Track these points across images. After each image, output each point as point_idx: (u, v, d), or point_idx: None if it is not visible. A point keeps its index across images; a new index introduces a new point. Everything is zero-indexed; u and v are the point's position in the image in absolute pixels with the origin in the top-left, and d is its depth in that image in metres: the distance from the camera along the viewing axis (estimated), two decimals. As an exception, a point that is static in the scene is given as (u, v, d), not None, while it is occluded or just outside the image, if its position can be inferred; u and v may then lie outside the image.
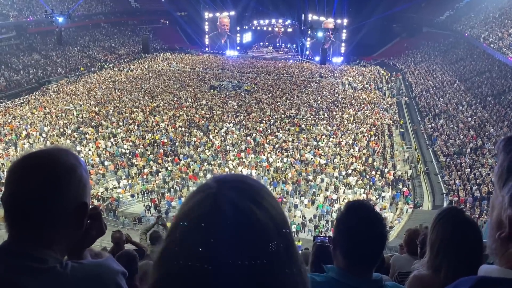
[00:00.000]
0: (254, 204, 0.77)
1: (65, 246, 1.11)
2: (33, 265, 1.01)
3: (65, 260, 1.09)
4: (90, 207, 1.16)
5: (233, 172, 25.04)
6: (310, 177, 25.94)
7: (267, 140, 31.24)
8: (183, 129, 33.36)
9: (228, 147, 30.02)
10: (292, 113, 38.68)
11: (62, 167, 1.08)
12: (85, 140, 30.63)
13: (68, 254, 1.15)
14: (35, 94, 44.13)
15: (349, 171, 26.61)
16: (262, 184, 0.85)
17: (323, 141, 31.65)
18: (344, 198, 23.61)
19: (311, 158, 28.36)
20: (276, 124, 35.45)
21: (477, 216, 20.26)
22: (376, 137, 33.21)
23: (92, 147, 29.33)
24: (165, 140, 30.82)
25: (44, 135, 30.92)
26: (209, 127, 33.76)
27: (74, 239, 1.13)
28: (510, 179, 0.85)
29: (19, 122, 33.64)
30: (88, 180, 1.15)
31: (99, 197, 23.52)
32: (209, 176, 24.70)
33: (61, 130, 32.00)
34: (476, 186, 23.61)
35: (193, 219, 0.75)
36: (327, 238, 2.73)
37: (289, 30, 74.90)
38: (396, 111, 41.87)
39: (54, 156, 1.10)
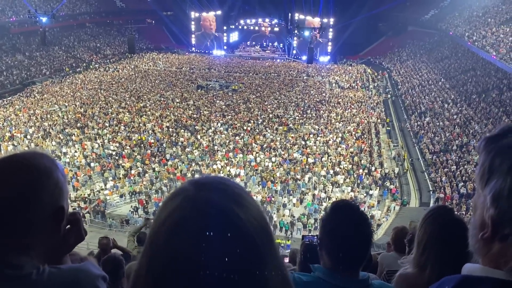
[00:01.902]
0: (235, 204, 0.76)
1: (42, 252, 1.08)
2: (8, 272, 0.98)
3: (42, 266, 1.06)
4: (69, 212, 1.13)
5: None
6: (298, 176, 26.02)
7: (255, 140, 31.25)
8: (170, 129, 33.20)
9: (216, 147, 29.96)
10: (279, 113, 38.75)
11: (37, 170, 1.05)
12: (71, 141, 30.29)
13: (47, 260, 1.12)
14: (19, 95, 43.51)
15: (337, 169, 26.75)
16: (239, 184, 0.83)
17: (311, 140, 31.77)
18: (332, 197, 23.74)
19: (299, 157, 28.45)
20: (264, 123, 35.49)
21: (463, 212, 20.52)
22: (363, 136, 33.45)
23: (78, 149, 29.03)
24: (152, 141, 30.63)
25: (28, 137, 30.51)
26: (197, 127, 33.65)
27: (51, 245, 1.10)
28: (491, 179, 0.84)
29: (2, 124, 33.12)
30: (65, 184, 1.12)
31: (86, 199, 23.29)
32: (197, 176, 24.60)
33: (46, 131, 31.60)
34: (462, 183, 23.93)
35: (172, 225, 0.73)
36: (315, 237, 2.73)
37: (276, 29, 75.05)
38: (383, 110, 42.22)
39: (28, 159, 1.07)
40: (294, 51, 69.58)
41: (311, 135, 32.76)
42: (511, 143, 0.85)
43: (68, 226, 1.15)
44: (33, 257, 1.04)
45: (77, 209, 20.59)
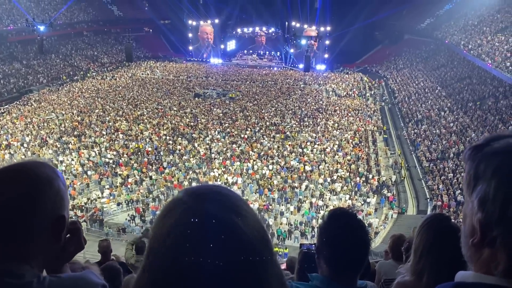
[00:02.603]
0: (234, 214, 0.76)
1: (42, 260, 1.08)
2: (9, 281, 0.98)
3: (43, 275, 1.07)
4: (69, 221, 1.14)
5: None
6: (296, 184, 26.00)
7: (252, 148, 31.26)
8: (167, 137, 33.18)
9: (213, 155, 29.93)
10: (277, 120, 38.82)
11: (38, 179, 1.06)
12: (68, 149, 30.21)
13: (47, 269, 1.13)
14: (16, 103, 43.45)
15: (334, 177, 26.75)
16: (236, 194, 0.84)
17: (308, 148, 31.80)
18: (329, 204, 23.71)
19: (297, 165, 28.45)
20: (261, 131, 35.52)
21: (460, 220, 20.46)
22: (360, 143, 33.51)
23: (75, 157, 28.95)
24: (150, 149, 30.59)
25: (25, 145, 30.41)
26: (194, 135, 33.65)
27: (51, 254, 1.10)
28: (477, 185, 0.88)
29: (-1, 132, 33.07)
30: (66, 193, 1.13)
31: (83, 208, 23.19)
32: (194, 184, 24.55)
33: (43, 140, 31.52)
34: (459, 191, 23.91)
35: (173, 240, 0.73)
36: (313, 245, 2.73)
37: (273, 37, 75.44)
38: (380, 117, 42.38)
39: (30, 168, 1.08)
40: (291, 59, 69.91)
41: (308, 143, 32.79)
42: (494, 150, 0.88)
43: (68, 235, 1.16)
44: (33, 266, 1.05)
45: (73, 217, 20.52)
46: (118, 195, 24.63)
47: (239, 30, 76.90)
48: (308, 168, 27.97)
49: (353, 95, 50.85)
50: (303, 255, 2.60)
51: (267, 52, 74.69)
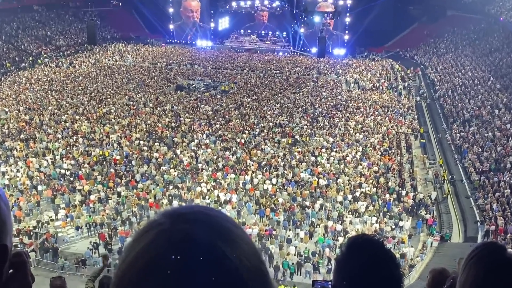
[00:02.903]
0: (221, 239, 0.77)
1: None
2: None
3: None
4: (13, 252, 1.13)
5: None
6: (307, 203, 25.99)
7: (251, 156, 31.28)
8: (141, 142, 33.21)
9: (200, 165, 29.95)
10: (282, 121, 38.89)
11: None
12: (12, 157, 30.20)
13: None
14: None
15: (357, 194, 26.75)
16: (226, 215, 0.85)
17: (323, 156, 31.80)
18: (350, 230, 23.69)
19: (308, 178, 28.46)
20: (263, 134, 35.58)
21: (520, 250, 20.46)
22: (391, 150, 33.52)
23: (22, 167, 28.93)
24: (118, 157, 30.59)
25: (-43, 152, 30.46)
26: (176, 140, 33.68)
27: None
28: None
29: None
30: (8, 215, 1.12)
31: (31, 233, 23.13)
32: (175, 203, 24.58)
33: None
34: (519, 212, 23.93)
35: (144, 266, 0.74)
36: (329, 283, 2.73)
37: (278, 13, 75.54)
38: (416, 117, 42.40)
39: None
40: (301, 42, 70.03)
41: (324, 150, 32.80)
42: None
43: (11, 270, 1.15)
44: None
45: (19, 246, 20.48)
46: (76, 217, 24.58)
47: (233, 4, 76.96)
48: (323, 182, 27.97)
49: (381, 87, 50.94)
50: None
51: (270, 33, 74.88)
